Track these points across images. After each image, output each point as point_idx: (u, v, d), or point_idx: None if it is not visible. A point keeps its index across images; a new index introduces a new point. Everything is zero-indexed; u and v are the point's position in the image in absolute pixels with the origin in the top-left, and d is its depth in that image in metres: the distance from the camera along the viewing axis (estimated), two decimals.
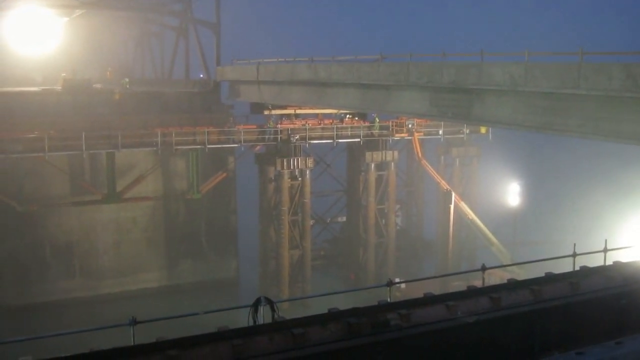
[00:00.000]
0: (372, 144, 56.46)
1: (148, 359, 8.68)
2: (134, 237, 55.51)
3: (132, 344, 9.36)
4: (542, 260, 14.92)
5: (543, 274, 11.71)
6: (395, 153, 57.58)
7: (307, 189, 54.27)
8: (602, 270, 12.02)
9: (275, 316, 10.32)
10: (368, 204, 57.14)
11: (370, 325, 9.58)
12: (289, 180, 53.43)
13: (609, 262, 12.77)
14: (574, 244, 13.96)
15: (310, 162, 54.10)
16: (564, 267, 12.58)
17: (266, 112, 56.30)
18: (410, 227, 66.53)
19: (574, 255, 13.66)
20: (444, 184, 58.12)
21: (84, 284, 53.70)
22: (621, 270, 11.83)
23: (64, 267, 53.29)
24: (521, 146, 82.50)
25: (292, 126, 54.98)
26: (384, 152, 56.52)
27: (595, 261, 12.89)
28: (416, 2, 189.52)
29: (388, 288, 11.77)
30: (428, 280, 44.60)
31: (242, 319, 10.33)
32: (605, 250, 14.00)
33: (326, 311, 9.88)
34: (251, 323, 10.11)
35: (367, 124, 56.93)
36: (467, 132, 59.59)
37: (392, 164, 57.41)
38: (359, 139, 56.27)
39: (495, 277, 38.60)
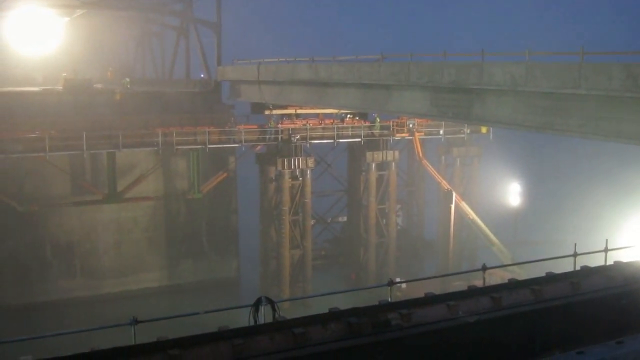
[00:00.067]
0: (372, 143, 56.44)
1: (149, 358, 8.68)
2: (135, 237, 55.51)
3: (133, 343, 9.35)
4: (543, 260, 14.92)
5: (544, 274, 11.71)
6: (396, 153, 57.56)
7: (308, 189, 54.25)
8: (603, 270, 12.01)
9: (276, 316, 10.32)
10: (369, 203, 57.12)
11: (371, 325, 9.57)
12: (290, 180, 53.42)
13: (609, 262, 12.77)
14: (575, 244, 13.96)
15: (311, 162, 54.09)
16: (565, 266, 12.58)
17: (267, 112, 56.29)
18: (411, 227, 66.49)
19: (575, 255, 13.66)
20: (445, 184, 58.09)
21: (85, 284, 53.71)
22: (622, 270, 11.83)
23: (64, 266, 53.30)
24: (522, 146, 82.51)
25: (292, 126, 54.98)
26: (384, 152, 56.51)
27: (596, 261, 12.89)
28: (417, 2, 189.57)
29: (389, 288, 11.77)
30: (429, 280, 44.58)
31: (242, 319, 10.32)
32: (606, 250, 13.99)
33: (327, 311, 9.88)
34: (252, 323, 10.12)
35: (367, 123, 56.91)
36: (468, 132, 59.55)
37: (393, 163, 57.38)
38: (359, 139, 56.25)
39: (496, 277, 38.52)
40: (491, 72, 29.46)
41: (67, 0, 62.25)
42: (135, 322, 10.00)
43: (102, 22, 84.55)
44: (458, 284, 43.86)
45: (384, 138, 56.82)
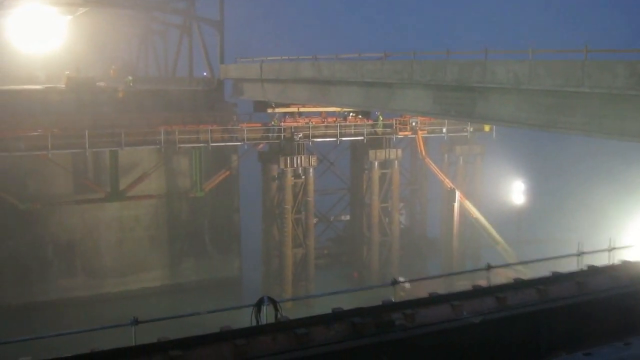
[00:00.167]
0: (375, 142, 56.38)
1: (150, 359, 8.61)
2: (137, 236, 55.48)
3: (134, 344, 9.28)
4: (548, 259, 14.84)
5: (549, 273, 11.62)
6: (399, 151, 57.51)
7: (311, 187, 54.21)
8: (609, 269, 11.93)
9: (279, 316, 10.26)
10: (372, 202, 57.06)
11: (374, 325, 9.50)
12: (292, 178, 53.37)
13: (614, 261, 12.68)
14: (580, 243, 13.88)
15: (313, 160, 54.06)
16: (570, 265, 12.50)
17: (270, 110, 56.25)
18: (414, 225, 66.44)
19: (580, 253, 13.58)
20: (448, 182, 58.03)
21: (86, 283, 53.68)
22: (629, 270, 11.74)
23: (65, 265, 53.27)
24: (525, 144, 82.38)
25: (295, 124, 54.94)
26: (387, 150, 56.44)
27: (601, 259, 12.80)
28: (420, 0, 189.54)
29: (392, 287, 11.70)
30: (433, 280, 44.63)
31: (244, 319, 10.25)
32: (610, 249, 13.90)
33: (330, 311, 9.81)
34: (254, 323, 10.05)
35: (370, 122, 56.87)
36: (471, 130, 59.48)
37: (396, 162, 57.32)
38: (362, 137, 56.20)
39: (501, 277, 38.40)
40: (494, 70, 29.38)
41: None
42: (136, 322, 9.94)
43: (104, 20, 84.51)
44: (462, 284, 43.64)
45: (387, 136, 56.74)
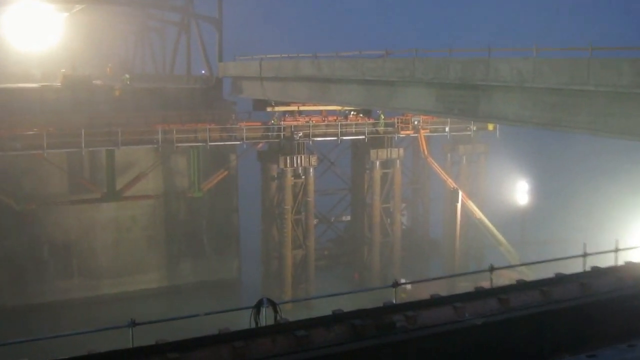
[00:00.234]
0: (377, 141, 56.38)
1: None
2: (134, 237, 55.50)
3: (131, 346, 9.30)
4: (552, 260, 14.84)
5: (553, 275, 11.63)
6: (401, 150, 57.53)
7: (311, 187, 54.23)
8: (613, 270, 11.94)
9: (278, 318, 10.26)
10: (373, 202, 57.06)
11: (375, 327, 9.51)
12: (292, 178, 53.38)
13: (620, 262, 12.69)
14: (584, 244, 13.88)
15: (313, 160, 54.08)
16: (574, 267, 12.51)
17: (269, 109, 56.28)
18: (416, 226, 66.45)
19: (584, 255, 13.58)
20: (451, 182, 58.01)
21: (82, 285, 53.71)
22: (633, 271, 11.75)
23: (61, 267, 53.29)
24: (529, 143, 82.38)
25: (295, 123, 54.95)
26: (389, 149, 56.45)
27: (606, 261, 12.81)
28: None
29: (394, 289, 11.71)
30: (435, 281, 44.52)
31: (243, 321, 10.26)
32: (616, 250, 13.91)
33: (330, 313, 9.82)
34: (253, 325, 10.06)
35: (372, 120, 56.87)
36: (474, 129, 59.46)
37: (398, 161, 57.34)
38: (363, 136, 56.22)
39: (504, 278, 38.46)
40: (498, 68, 29.39)
41: None
42: (133, 324, 9.94)
43: (101, 17, 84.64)
44: (464, 285, 43.78)
45: (389, 135, 56.75)
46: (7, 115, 48.81)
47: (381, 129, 56.45)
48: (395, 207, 58.14)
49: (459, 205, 56.64)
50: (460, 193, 56.79)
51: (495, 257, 52.99)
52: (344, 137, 56.37)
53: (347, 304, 10.59)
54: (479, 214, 57.26)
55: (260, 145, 56.92)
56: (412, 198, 66.52)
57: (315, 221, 57.25)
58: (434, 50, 37.18)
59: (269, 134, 54.21)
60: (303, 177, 53.96)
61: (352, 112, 57.21)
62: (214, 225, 58.08)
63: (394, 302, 10.66)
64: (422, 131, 57.65)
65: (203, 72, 66.77)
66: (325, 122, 56.20)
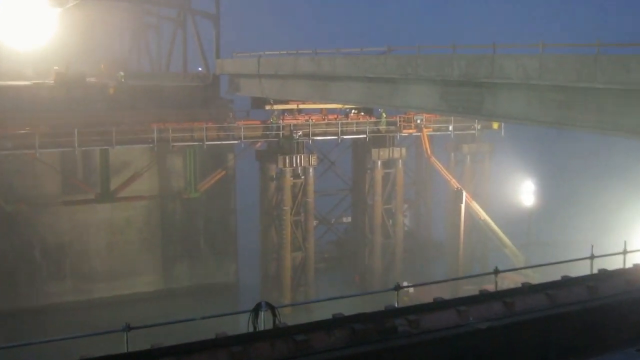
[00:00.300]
0: (378, 140, 56.41)
1: None
2: (128, 239, 55.50)
3: (126, 351, 9.30)
4: (558, 262, 14.85)
5: (559, 277, 11.64)
6: (403, 150, 57.53)
7: (311, 188, 54.25)
8: (621, 273, 11.94)
9: (277, 322, 10.27)
10: (374, 203, 57.08)
11: (376, 331, 9.51)
12: (291, 178, 53.40)
13: (628, 265, 12.70)
14: (592, 246, 13.89)
15: (313, 160, 54.09)
16: (581, 269, 12.51)
17: (268, 107, 56.30)
18: (418, 227, 66.45)
19: (592, 257, 13.59)
20: (455, 183, 58.00)
21: (76, 288, 53.69)
22: None
23: (54, 269, 53.28)
24: (535, 142, 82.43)
25: (294, 122, 54.97)
26: (391, 149, 56.49)
27: (614, 263, 12.82)
28: None
29: (395, 292, 11.71)
30: (438, 284, 44.71)
31: (241, 325, 10.28)
32: (624, 252, 13.92)
33: (330, 317, 9.82)
34: (251, 329, 10.06)
35: (373, 119, 56.89)
36: (479, 127, 59.52)
37: (400, 161, 57.37)
38: (364, 135, 56.23)
39: (509, 281, 38.49)
40: (503, 64, 29.41)
41: None
42: (128, 328, 9.94)
43: (96, 13, 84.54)
44: (469, 288, 43.80)
45: (391, 134, 56.78)
46: None
47: (383, 127, 56.47)
48: (397, 208, 58.16)
49: (462, 206, 56.63)
50: (464, 193, 56.77)
51: (500, 259, 53.02)
52: (345, 136, 56.41)
53: (348, 308, 10.61)
54: (483, 215, 57.28)
55: (259, 144, 56.92)
56: (414, 199, 66.52)
57: (315, 222, 57.27)
58: (437, 47, 37.26)
59: (268, 133, 54.23)
60: (302, 177, 53.97)
61: (353, 111, 57.26)
62: (210, 226, 58.07)
63: (396, 305, 10.66)
64: (424, 130, 57.68)
65: (200, 69, 66.75)
66: (326, 121, 56.24)
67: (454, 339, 9.67)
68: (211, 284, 56.79)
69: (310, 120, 55.14)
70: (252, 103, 58.46)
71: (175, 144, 51.81)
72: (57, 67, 62.41)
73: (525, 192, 62.12)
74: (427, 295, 11.55)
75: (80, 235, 54.03)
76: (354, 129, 56.29)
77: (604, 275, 11.77)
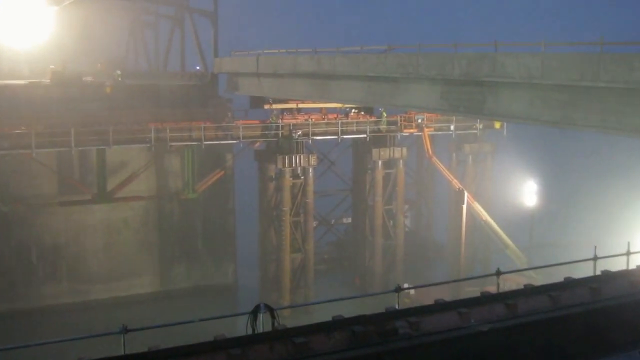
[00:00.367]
0: (379, 140, 56.39)
1: None
2: (126, 239, 55.48)
3: (123, 353, 9.30)
4: (561, 264, 14.85)
5: (562, 279, 11.64)
6: (404, 150, 57.49)
7: (310, 188, 54.23)
8: (625, 274, 11.94)
9: (276, 324, 10.27)
10: (375, 204, 57.07)
11: (377, 333, 9.51)
12: (291, 178, 53.38)
13: (632, 266, 12.70)
14: (595, 246, 13.89)
15: (313, 160, 54.06)
16: (584, 271, 12.51)
17: (266, 107, 56.29)
18: (419, 228, 66.48)
19: (595, 258, 13.59)
20: (456, 183, 58.00)
21: (72, 289, 53.67)
22: None
23: (50, 271, 53.27)
24: (538, 142, 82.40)
25: (294, 121, 54.95)
26: (391, 148, 56.45)
27: (618, 264, 12.82)
28: None
29: (396, 294, 11.71)
30: (439, 286, 44.69)
31: (240, 327, 10.27)
32: (628, 253, 13.91)
33: (330, 319, 9.82)
34: (250, 331, 10.06)
35: (373, 118, 56.87)
36: (481, 127, 59.50)
37: (401, 161, 57.33)
38: (365, 135, 56.21)
39: (511, 283, 38.50)
40: (505, 63, 29.40)
41: None
42: (125, 330, 9.94)
43: (93, 11, 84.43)
44: (470, 290, 43.79)
45: (391, 134, 56.75)
46: None
47: (383, 127, 56.44)
48: (398, 208, 58.14)
49: (464, 206, 56.65)
50: (466, 194, 56.79)
51: (502, 260, 53.00)
52: (345, 136, 56.39)
53: (348, 310, 10.60)
54: (485, 215, 57.28)
55: (258, 144, 56.90)
56: (415, 199, 66.54)
57: (314, 223, 57.27)
58: (439, 45, 37.30)
59: (267, 132, 54.19)
60: (302, 177, 53.96)
61: (353, 110, 57.24)
62: (209, 227, 58.04)
63: (397, 307, 10.66)
64: (426, 130, 57.66)
65: (198, 68, 66.74)
66: (325, 120, 56.23)
67: (455, 342, 9.67)
68: (209, 285, 56.77)
69: (310, 120, 55.12)
70: (251, 102, 58.45)
71: (172, 143, 51.80)
72: (53, 66, 62.35)
73: (528, 193, 62.11)
74: (428, 297, 11.55)
75: (76, 236, 54.01)
76: (354, 128, 56.27)
77: (607, 276, 11.77)
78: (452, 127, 58.63)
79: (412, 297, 46.16)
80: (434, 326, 9.86)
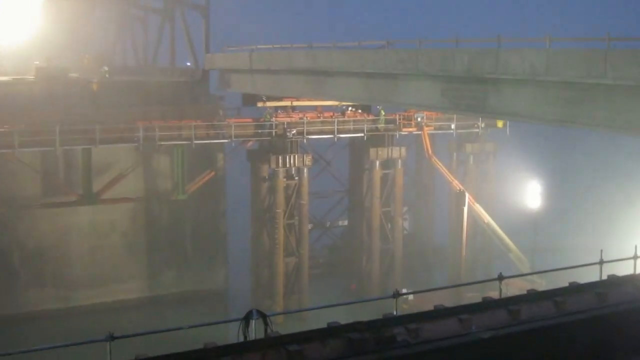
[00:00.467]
0: (377, 139, 56.43)
1: None
2: (112, 243, 55.41)
3: None
4: (566, 268, 14.87)
5: (567, 284, 11.65)
6: (403, 149, 57.54)
7: (305, 190, 54.23)
8: (632, 279, 11.96)
9: (269, 331, 10.26)
10: (372, 206, 57.09)
11: (374, 341, 9.51)
12: (285, 179, 53.40)
13: (639, 270, 12.72)
14: (601, 250, 13.90)
15: (308, 160, 54.07)
16: (590, 275, 12.52)
17: (260, 104, 56.28)
18: (419, 231, 66.49)
19: (601, 262, 13.60)
20: (457, 184, 58.02)
21: (56, 295, 53.57)
22: None
23: (34, 275, 53.16)
24: (542, 141, 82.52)
25: (288, 119, 54.95)
26: (390, 148, 56.50)
27: (624, 269, 12.83)
28: None
29: (394, 300, 11.71)
30: (439, 291, 44.62)
31: (231, 334, 10.26)
32: (635, 257, 13.93)
33: (325, 325, 9.81)
34: (241, 339, 10.05)
35: (371, 117, 56.88)
36: (482, 126, 59.55)
37: (399, 161, 57.39)
38: (362, 134, 56.23)
39: (514, 288, 38.55)
40: (508, 60, 29.41)
41: None
42: (111, 338, 9.92)
43: (79, 4, 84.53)
44: (471, 295, 43.87)
45: (390, 133, 56.80)
46: None
47: (381, 126, 56.49)
48: (397, 211, 58.17)
49: (465, 208, 56.65)
50: (467, 195, 56.80)
51: (504, 265, 53.07)
52: (341, 135, 56.39)
53: (344, 316, 10.60)
54: (487, 218, 57.32)
55: (250, 143, 56.92)
56: (414, 201, 66.54)
57: (309, 226, 57.28)
58: (440, 41, 37.24)
59: (260, 131, 54.18)
60: (296, 178, 53.96)
61: (350, 108, 57.25)
62: (199, 230, 58.01)
63: (395, 313, 10.65)
64: (425, 128, 57.68)
65: (188, 64, 66.81)
66: (321, 119, 56.21)
67: (456, 349, 9.67)
68: (199, 290, 56.69)
69: (305, 118, 55.10)
70: (244, 100, 58.44)
71: (162, 143, 51.73)
72: (38, 62, 62.39)
73: (531, 194, 62.14)
74: (428, 303, 11.55)
75: (61, 239, 53.91)
76: (351, 127, 56.28)
77: (614, 281, 11.79)
78: (452, 126, 58.67)
79: (411, 303, 46.20)
80: (433, 333, 9.87)
